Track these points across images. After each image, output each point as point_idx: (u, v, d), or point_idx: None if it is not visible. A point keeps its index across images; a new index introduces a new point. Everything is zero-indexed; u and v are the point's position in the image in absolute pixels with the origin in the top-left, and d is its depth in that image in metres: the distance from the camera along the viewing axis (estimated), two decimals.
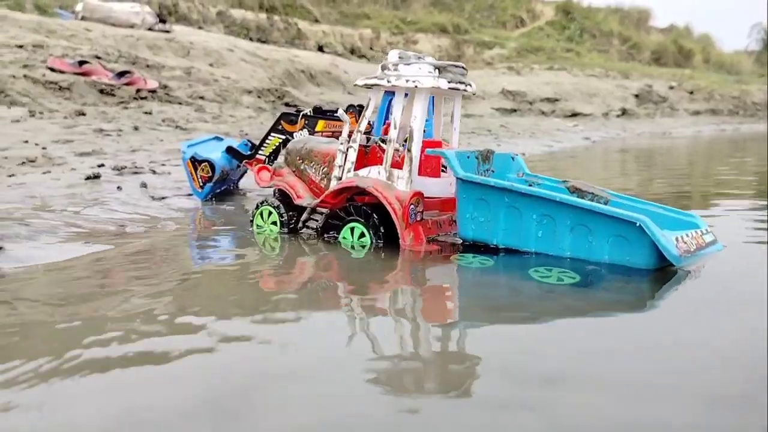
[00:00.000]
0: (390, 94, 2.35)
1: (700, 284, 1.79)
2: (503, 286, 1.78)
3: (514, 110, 13.41)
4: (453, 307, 1.65)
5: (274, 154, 3.13)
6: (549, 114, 13.82)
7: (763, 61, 24.29)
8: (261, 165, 2.77)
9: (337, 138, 2.90)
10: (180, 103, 6.70)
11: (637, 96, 16.79)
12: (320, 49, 15.09)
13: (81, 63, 6.45)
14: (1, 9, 8.38)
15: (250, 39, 13.67)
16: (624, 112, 15.37)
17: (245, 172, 3.46)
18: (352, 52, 16.34)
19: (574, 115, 14.12)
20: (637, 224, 1.82)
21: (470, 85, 2.22)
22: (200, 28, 13.10)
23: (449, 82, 2.11)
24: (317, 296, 1.65)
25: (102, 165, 3.66)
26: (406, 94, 2.16)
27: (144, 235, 2.49)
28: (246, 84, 8.40)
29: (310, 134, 3.03)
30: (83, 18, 9.26)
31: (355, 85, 2.31)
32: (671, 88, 18.26)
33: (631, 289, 1.72)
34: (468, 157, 2.21)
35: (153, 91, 6.65)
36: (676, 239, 1.87)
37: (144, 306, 1.53)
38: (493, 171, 2.32)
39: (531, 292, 1.70)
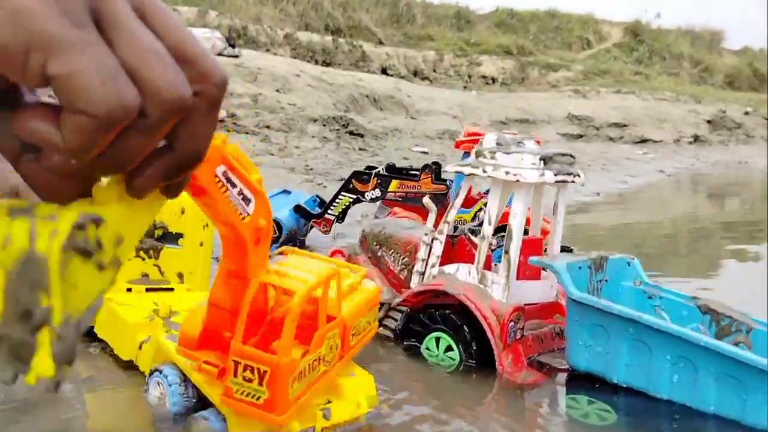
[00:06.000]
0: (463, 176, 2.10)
1: None
2: None
3: (580, 136, 13.06)
4: None
5: (344, 214, 3.05)
6: (617, 140, 13.40)
7: None
8: (334, 249, 2.58)
9: (411, 198, 2.78)
10: (247, 133, 6.74)
11: (709, 122, 16.14)
12: (384, 71, 15.09)
13: None
14: None
15: (316, 61, 13.78)
16: (696, 139, 14.78)
17: (313, 227, 3.37)
18: (415, 74, 16.28)
19: (644, 141, 13.65)
20: None
21: (579, 175, 1.97)
22: (267, 50, 13.28)
23: (556, 174, 1.87)
24: None
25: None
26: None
27: None
28: (312, 111, 8.41)
29: (382, 194, 2.93)
30: None
31: (445, 170, 2.16)
32: (746, 113, 17.49)
33: None
34: (579, 267, 1.93)
35: (221, 121, 6.71)
36: None
37: None
38: (606, 280, 2.02)
39: None
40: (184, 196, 1.52)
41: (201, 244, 1.40)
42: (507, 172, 1.85)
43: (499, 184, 1.94)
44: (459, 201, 2.05)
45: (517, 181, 1.85)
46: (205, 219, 1.44)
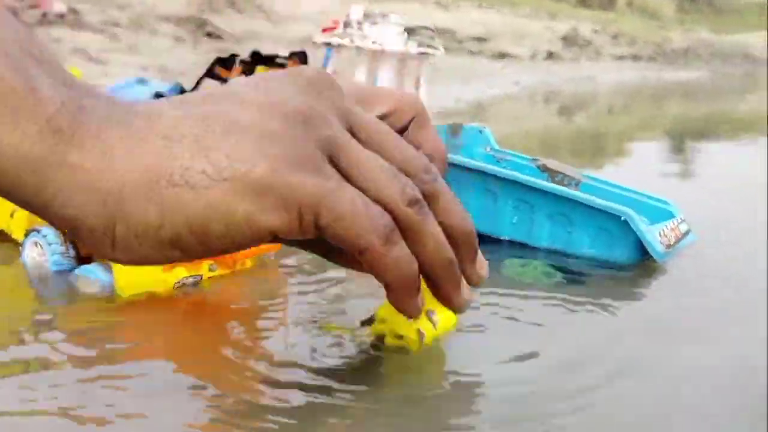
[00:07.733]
0: (332, 47, 2.14)
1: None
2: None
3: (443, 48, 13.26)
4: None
5: None
6: (476, 53, 13.75)
7: (685, 8, 24.90)
8: None
9: None
10: (92, 31, 6.17)
11: (563, 39, 16.93)
12: None
13: None
14: None
15: None
16: (550, 55, 15.50)
17: None
18: None
19: (502, 56, 14.11)
20: (622, 218, 1.72)
21: (439, 48, 2.09)
22: None
23: (419, 46, 1.97)
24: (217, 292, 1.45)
25: None
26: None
27: None
28: (164, 9, 7.83)
29: None
30: None
31: (314, 42, 2.12)
32: (595, 32, 18.50)
33: (624, 290, 1.62)
34: (437, 132, 2.08)
35: (61, 16, 6.08)
36: (659, 233, 1.79)
37: None
38: (461, 145, 2.20)
39: (510, 290, 1.59)
40: None
41: None
42: (373, 42, 1.92)
43: (365, 55, 2.01)
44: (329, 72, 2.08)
45: (383, 50, 1.93)
46: None
